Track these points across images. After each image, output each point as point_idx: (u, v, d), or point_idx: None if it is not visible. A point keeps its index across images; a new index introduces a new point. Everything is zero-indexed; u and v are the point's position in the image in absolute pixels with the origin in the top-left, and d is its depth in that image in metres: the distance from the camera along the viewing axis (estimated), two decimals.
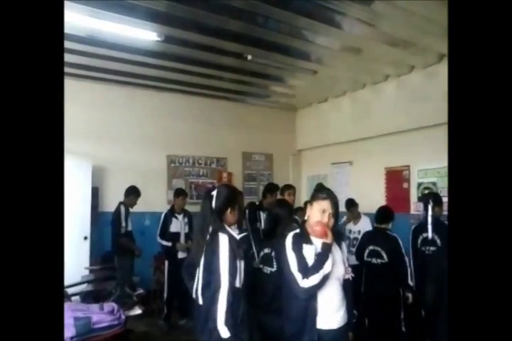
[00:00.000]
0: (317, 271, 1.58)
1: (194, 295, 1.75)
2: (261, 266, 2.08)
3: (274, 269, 2.00)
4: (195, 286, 1.75)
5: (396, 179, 4.84)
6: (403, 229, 4.67)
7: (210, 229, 1.67)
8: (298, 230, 1.75)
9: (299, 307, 1.64)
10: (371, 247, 2.97)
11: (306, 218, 1.75)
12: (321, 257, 1.61)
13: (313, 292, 1.60)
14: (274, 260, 2.00)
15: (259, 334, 1.99)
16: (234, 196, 1.76)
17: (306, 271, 1.58)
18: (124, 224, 3.87)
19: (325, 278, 1.60)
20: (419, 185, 4.60)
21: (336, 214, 1.69)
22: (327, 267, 1.59)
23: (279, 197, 3.78)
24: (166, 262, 4.00)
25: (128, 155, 4.86)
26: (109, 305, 2.20)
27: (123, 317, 2.18)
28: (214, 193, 1.69)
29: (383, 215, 3.12)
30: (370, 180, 5.11)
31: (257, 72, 4.61)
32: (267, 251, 2.08)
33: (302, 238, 1.68)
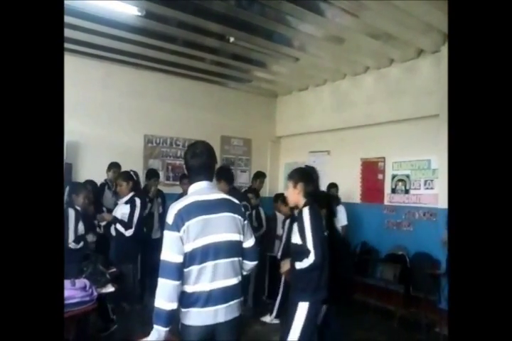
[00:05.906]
0: None
1: None
2: None
3: None
4: None
5: (371, 170, 4.96)
6: (376, 220, 4.87)
7: None
8: None
9: None
10: None
11: None
12: None
13: None
14: None
15: None
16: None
17: None
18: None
19: None
20: (394, 176, 4.74)
21: None
22: None
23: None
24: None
25: (104, 132, 4.74)
26: (81, 282, 2.21)
27: (95, 293, 2.20)
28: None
29: None
30: (346, 170, 5.23)
31: (239, 55, 4.57)
32: None
33: None
